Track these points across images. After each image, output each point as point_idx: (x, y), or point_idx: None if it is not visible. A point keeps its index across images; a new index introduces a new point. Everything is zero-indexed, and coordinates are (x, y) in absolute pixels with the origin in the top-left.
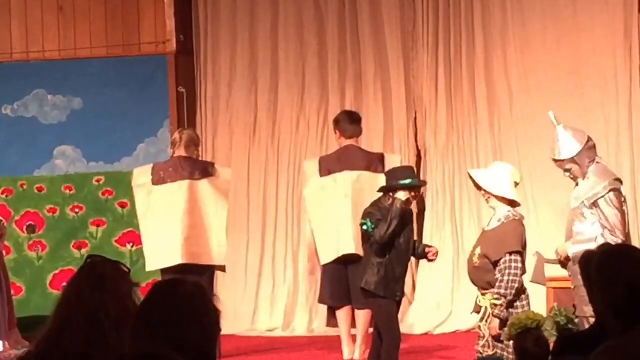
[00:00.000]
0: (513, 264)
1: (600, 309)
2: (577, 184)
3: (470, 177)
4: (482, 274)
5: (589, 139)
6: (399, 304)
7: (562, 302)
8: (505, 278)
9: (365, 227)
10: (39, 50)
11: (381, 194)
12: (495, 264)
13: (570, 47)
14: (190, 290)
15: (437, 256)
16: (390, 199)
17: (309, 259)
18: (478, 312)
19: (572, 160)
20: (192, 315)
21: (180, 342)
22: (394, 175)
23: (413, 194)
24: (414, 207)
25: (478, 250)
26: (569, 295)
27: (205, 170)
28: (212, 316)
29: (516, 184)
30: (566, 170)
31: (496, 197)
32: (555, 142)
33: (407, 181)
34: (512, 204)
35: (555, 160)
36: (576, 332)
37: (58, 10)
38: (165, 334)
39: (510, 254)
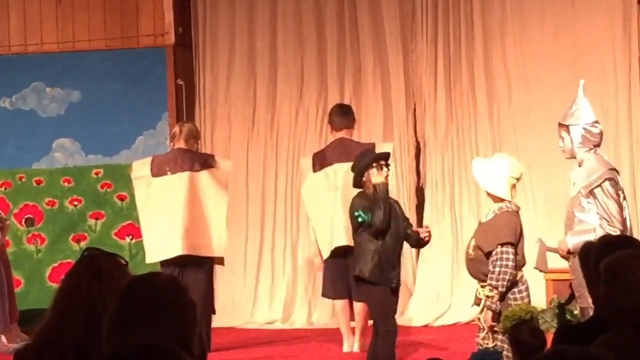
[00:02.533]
0: (504, 256)
1: (599, 301)
2: (573, 168)
3: None
4: (477, 266)
5: (596, 126)
6: (396, 291)
7: (561, 293)
8: (497, 270)
9: (361, 219)
10: (37, 42)
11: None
12: (488, 255)
13: (568, 38)
14: (164, 284)
15: (430, 234)
16: (371, 187)
17: (316, 256)
18: (478, 304)
19: (567, 129)
20: (168, 309)
21: (157, 337)
22: (356, 164)
23: (383, 169)
24: (413, 200)
25: (472, 242)
26: (568, 287)
27: (206, 162)
28: (188, 309)
29: (517, 180)
30: (560, 138)
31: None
32: (568, 108)
33: (366, 160)
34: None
35: (558, 124)
36: (576, 324)
37: (56, 2)
38: (142, 329)
39: (502, 245)
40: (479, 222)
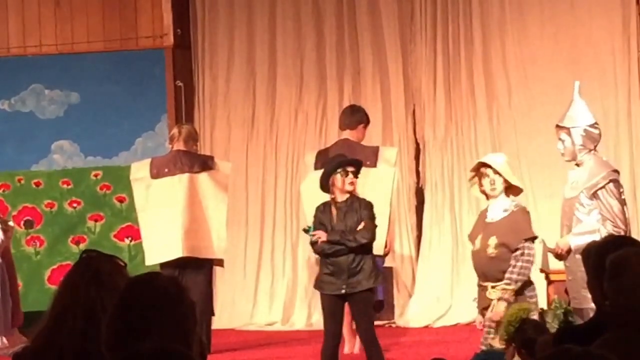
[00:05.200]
0: (529, 251)
1: (600, 301)
2: (573, 167)
3: (483, 164)
4: (499, 264)
5: (596, 127)
6: (345, 297)
7: (562, 294)
8: (519, 264)
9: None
10: (36, 44)
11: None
12: (514, 252)
13: (568, 39)
14: (164, 284)
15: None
16: (336, 192)
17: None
18: (486, 307)
19: (568, 131)
20: (167, 309)
21: (157, 336)
22: (324, 168)
23: (348, 175)
24: (412, 200)
25: (493, 241)
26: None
27: (205, 163)
28: (188, 309)
29: None
30: (559, 140)
31: (507, 186)
32: (566, 110)
33: (332, 165)
34: (513, 192)
35: (556, 126)
36: (576, 325)
37: (55, 4)
38: (141, 329)
39: (527, 240)
40: (484, 222)
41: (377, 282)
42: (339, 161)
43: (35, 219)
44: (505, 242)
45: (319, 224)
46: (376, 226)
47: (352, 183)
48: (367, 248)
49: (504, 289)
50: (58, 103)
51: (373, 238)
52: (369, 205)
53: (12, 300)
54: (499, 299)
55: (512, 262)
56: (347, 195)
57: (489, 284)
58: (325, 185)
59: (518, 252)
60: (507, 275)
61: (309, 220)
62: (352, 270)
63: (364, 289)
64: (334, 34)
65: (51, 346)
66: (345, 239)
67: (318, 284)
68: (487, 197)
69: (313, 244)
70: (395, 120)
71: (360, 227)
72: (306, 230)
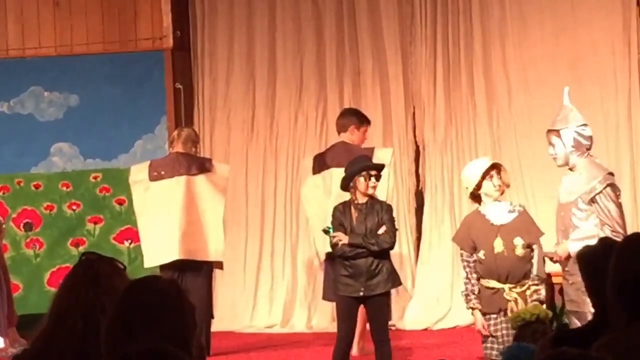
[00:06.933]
0: (540, 249)
1: (603, 302)
2: (566, 173)
3: (500, 167)
4: (524, 265)
5: (586, 129)
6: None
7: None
8: (539, 263)
9: (327, 231)
10: (35, 46)
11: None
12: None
13: (568, 41)
14: (164, 287)
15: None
16: (356, 194)
17: (316, 257)
18: (503, 310)
19: (558, 133)
20: (167, 311)
21: (157, 339)
22: (348, 167)
23: (371, 179)
24: (412, 203)
25: (519, 241)
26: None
27: (203, 165)
28: (187, 312)
29: None
30: (550, 145)
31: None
32: (555, 115)
33: (357, 167)
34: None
35: (547, 132)
36: (572, 329)
37: (54, 6)
38: (141, 331)
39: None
40: (491, 225)
41: (395, 285)
42: (363, 165)
43: (35, 221)
44: (529, 242)
45: (338, 224)
46: (397, 229)
47: (374, 187)
48: (386, 252)
49: (536, 290)
50: (57, 105)
51: (394, 242)
52: (389, 209)
53: (7, 301)
54: (533, 300)
55: (532, 261)
56: (367, 198)
57: (507, 286)
58: (346, 186)
59: (537, 251)
60: (535, 274)
61: (310, 223)
62: (371, 273)
63: (382, 292)
64: (333, 36)
65: (51, 348)
66: (368, 242)
67: (335, 285)
68: (477, 200)
69: (334, 246)
70: (395, 122)
71: (381, 231)
72: (326, 231)
